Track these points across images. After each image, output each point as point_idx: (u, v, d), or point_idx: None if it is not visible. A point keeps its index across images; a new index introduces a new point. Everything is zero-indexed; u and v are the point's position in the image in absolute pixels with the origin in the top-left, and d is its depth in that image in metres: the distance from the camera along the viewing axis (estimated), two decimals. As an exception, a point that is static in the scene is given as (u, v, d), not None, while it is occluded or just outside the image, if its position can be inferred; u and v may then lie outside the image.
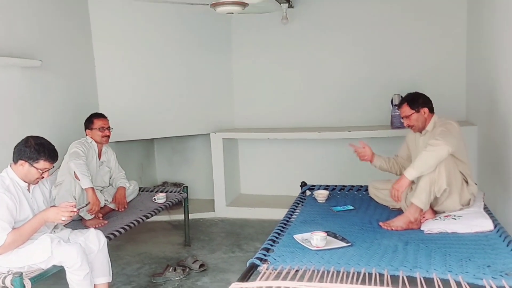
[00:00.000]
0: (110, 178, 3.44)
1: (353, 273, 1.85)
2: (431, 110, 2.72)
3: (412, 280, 1.77)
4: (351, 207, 2.89)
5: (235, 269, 3.12)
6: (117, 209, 3.30)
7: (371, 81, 4.39)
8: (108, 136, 3.33)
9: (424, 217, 2.50)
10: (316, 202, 3.09)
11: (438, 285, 1.70)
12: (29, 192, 2.28)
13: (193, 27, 4.51)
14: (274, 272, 1.93)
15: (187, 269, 3.11)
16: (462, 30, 4.11)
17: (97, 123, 3.28)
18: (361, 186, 3.32)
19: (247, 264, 2.01)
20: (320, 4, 4.46)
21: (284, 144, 4.68)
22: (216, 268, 3.19)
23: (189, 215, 3.76)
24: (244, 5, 3.39)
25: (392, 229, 2.44)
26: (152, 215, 3.19)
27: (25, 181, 2.24)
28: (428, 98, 2.77)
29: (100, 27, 4.09)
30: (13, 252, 2.13)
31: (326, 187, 3.36)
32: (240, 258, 3.33)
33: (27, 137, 2.26)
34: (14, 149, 2.23)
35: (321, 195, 3.10)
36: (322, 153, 4.59)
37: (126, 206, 3.33)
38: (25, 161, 2.19)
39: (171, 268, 3.06)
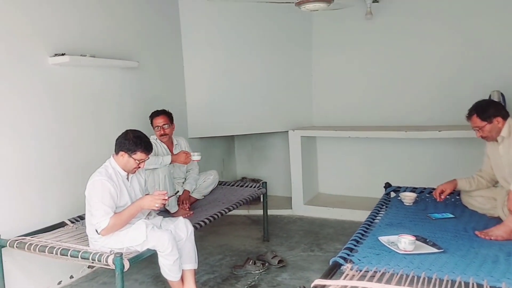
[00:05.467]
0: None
1: (447, 280, 1.74)
2: (505, 117, 2.48)
3: (516, 294, 1.62)
4: (451, 215, 2.66)
5: (315, 268, 3.09)
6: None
7: (465, 76, 4.06)
8: (166, 134, 3.27)
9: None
10: (402, 204, 2.95)
11: (549, 302, 1.54)
12: (128, 180, 2.48)
13: (274, 26, 4.55)
14: (359, 273, 1.88)
15: (266, 264, 3.15)
16: None
17: (154, 122, 3.29)
18: (454, 190, 3.09)
19: (330, 263, 1.98)
20: (409, -3, 4.25)
21: (366, 143, 4.53)
22: (295, 265, 3.19)
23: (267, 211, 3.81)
24: (329, 1, 3.33)
25: (491, 239, 2.24)
26: (234, 208, 3.29)
27: (124, 171, 2.44)
28: (500, 105, 2.55)
29: (188, 30, 4.31)
30: (113, 235, 2.34)
31: (413, 189, 3.18)
32: (319, 258, 3.30)
33: (127, 131, 2.47)
34: (116, 141, 2.45)
35: (408, 197, 2.95)
36: (408, 153, 4.36)
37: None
38: (125, 152, 2.39)
39: (251, 261, 3.12)
